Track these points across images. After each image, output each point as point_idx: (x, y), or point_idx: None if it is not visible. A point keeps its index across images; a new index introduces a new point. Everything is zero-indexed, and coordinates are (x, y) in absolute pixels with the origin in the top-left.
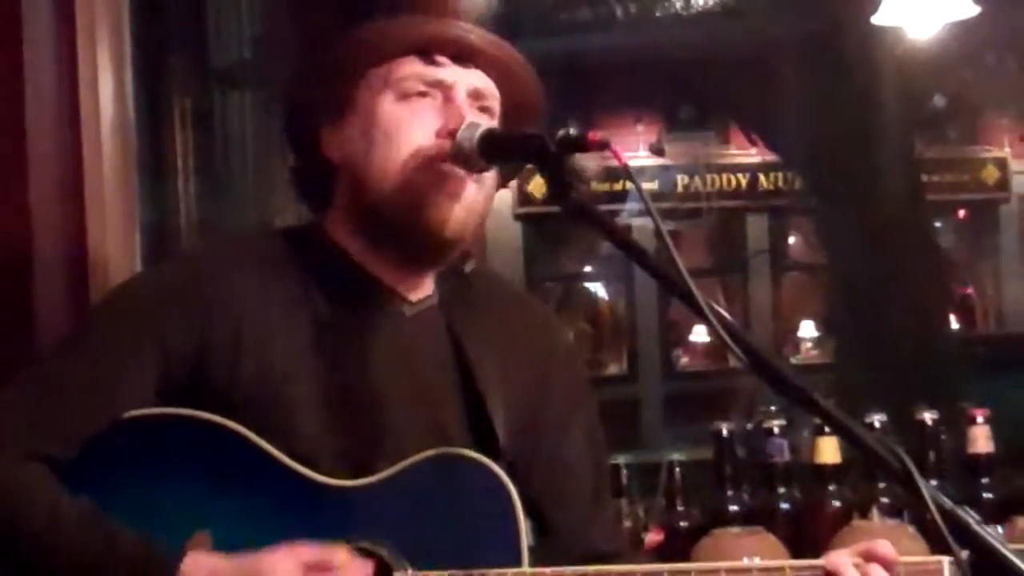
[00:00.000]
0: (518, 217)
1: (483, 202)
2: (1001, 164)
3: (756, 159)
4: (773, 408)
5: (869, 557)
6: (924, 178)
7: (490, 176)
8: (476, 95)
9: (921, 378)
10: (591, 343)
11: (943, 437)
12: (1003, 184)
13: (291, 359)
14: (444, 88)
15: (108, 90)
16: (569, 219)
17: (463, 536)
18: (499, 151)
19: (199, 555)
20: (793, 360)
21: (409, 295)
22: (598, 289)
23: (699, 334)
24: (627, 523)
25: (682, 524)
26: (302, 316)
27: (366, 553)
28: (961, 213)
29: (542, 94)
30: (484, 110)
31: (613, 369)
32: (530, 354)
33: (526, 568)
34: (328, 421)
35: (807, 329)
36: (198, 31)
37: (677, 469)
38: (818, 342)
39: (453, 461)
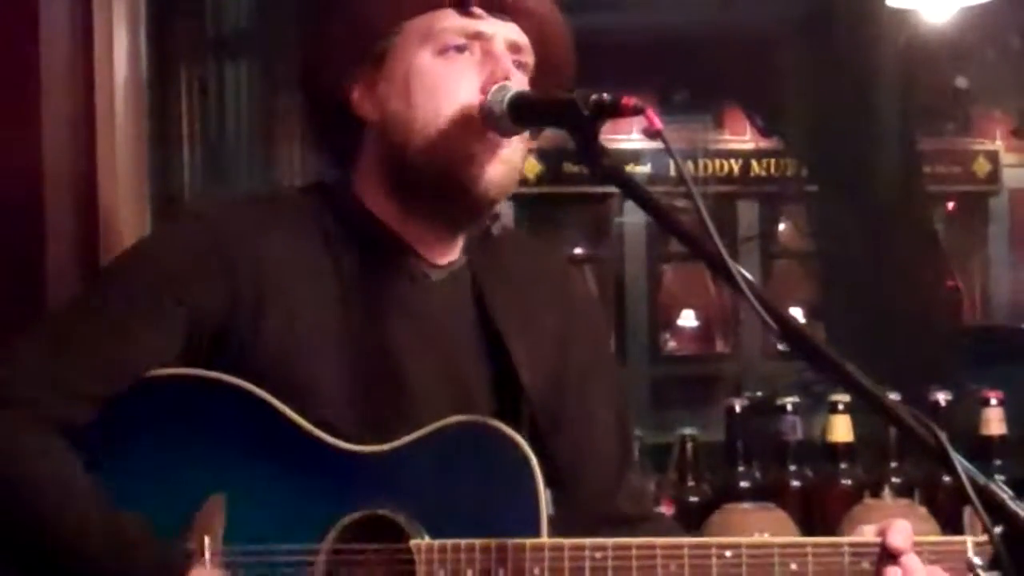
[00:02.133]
0: (511, 198)
1: (520, 160)
2: (992, 157)
3: (749, 145)
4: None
5: (885, 533)
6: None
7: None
8: (514, 48)
9: (915, 366)
10: None
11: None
12: (994, 177)
13: (316, 324)
14: (483, 40)
15: (123, 50)
16: (602, 183)
17: (482, 505)
18: (530, 115)
19: (201, 570)
20: (781, 347)
21: (437, 260)
22: (587, 271)
23: (687, 319)
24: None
25: (692, 499)
26: (327, 279)
27: (381, 519)
28: (950, 205)
29: (573, 52)
30: (520, 65)
31: None
32: (557, 319)
33: (545, 538)
34: (353, 388)
35: (795, 315)
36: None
37: (689, 444)
38: (826, 330)
39: (475, 429)
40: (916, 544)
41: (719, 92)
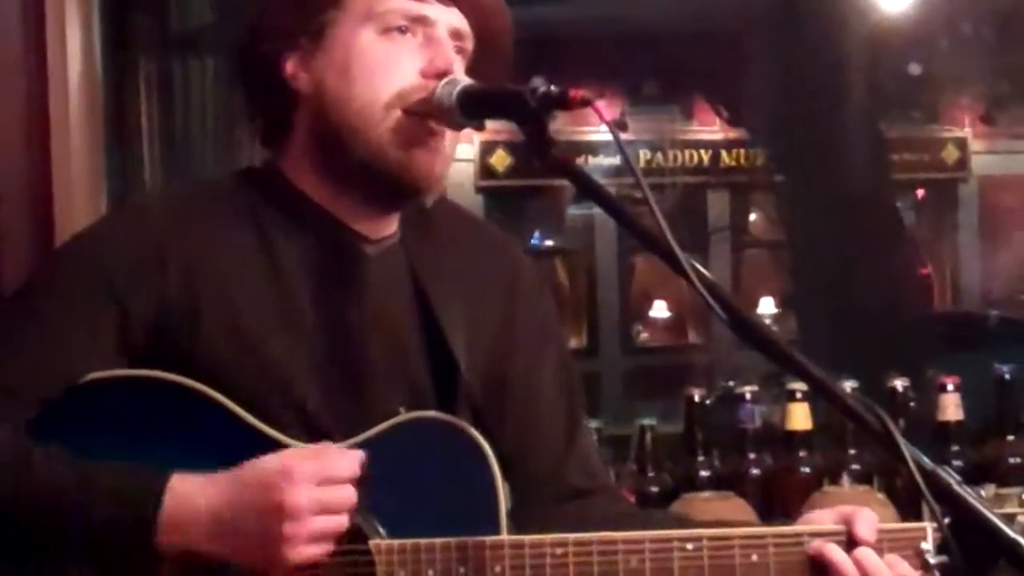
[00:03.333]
0: (480, 190)
1: (454, 147)
2: (961, 144)
3: (718, 135)
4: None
5: (850, 521)
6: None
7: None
8: (456, 35)
9: (883, 353)
10: None
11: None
12: (962, 164)
13: (260, 313)
14: (426, 25)
15: (76, 46)
16: (550, 175)
17: (441, 502)
18: (479, 107)
19: (183, 476)
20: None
21: (372, 235)
22: (559, 263)
23: (659, 310)
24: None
25: (653, 489)
26: (261, 264)
27: None
28: (919, 193)
29: (511, 43)
30: (460, 51)
31: (573, 343)
32: (495, 289)
33: (504, 535)
34: (292, 373)
35: (767, 306)
36: None
37: (648, 434)
38: (777, 319)
39: (431, 425)
40: (878, 531)
41: (686, 83)
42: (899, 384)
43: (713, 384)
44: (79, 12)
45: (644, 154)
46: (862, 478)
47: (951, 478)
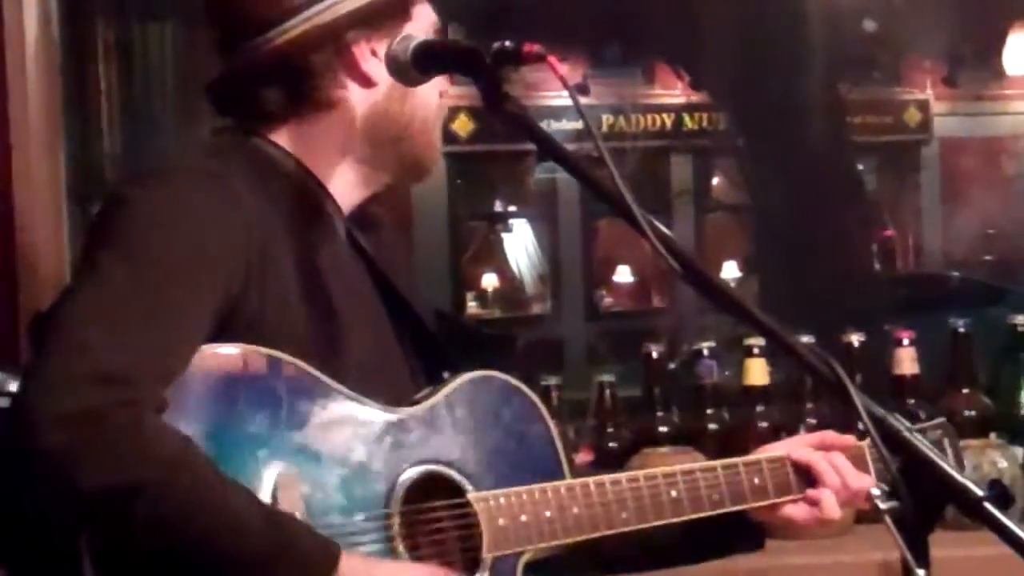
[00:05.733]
0: (442, 155)
1: None
2: (923, 106)
3: (680, 99)
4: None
5: (826, 445)
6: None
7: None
8: None
9: (842, 313)
10: (516, 283)
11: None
12: (925, 126)
13: (297, 284)
14: None
15: (33, 12)
16: (506, 127)
17: (510, 452)
18: (434, 62)
19: (353, 558)
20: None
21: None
22: (522, 229)
23: (623, 274)
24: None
25: (612, 445)
26: (282, 234)
27: (436, 477)
28: (883, 155)
29: None
30: None
31: (537, 309)
32: (400, 249)
33: (570, 479)
34: (353, 346)
35: (730, 270)
36: None
37: (607, 391)
38: (741, 282)
39: (487, 382)
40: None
41: (647, 47)
42: (854, 339)
43: (678, 347)
44: None
45: (606, 118)
46: (818, 430)
47: (901, 424)
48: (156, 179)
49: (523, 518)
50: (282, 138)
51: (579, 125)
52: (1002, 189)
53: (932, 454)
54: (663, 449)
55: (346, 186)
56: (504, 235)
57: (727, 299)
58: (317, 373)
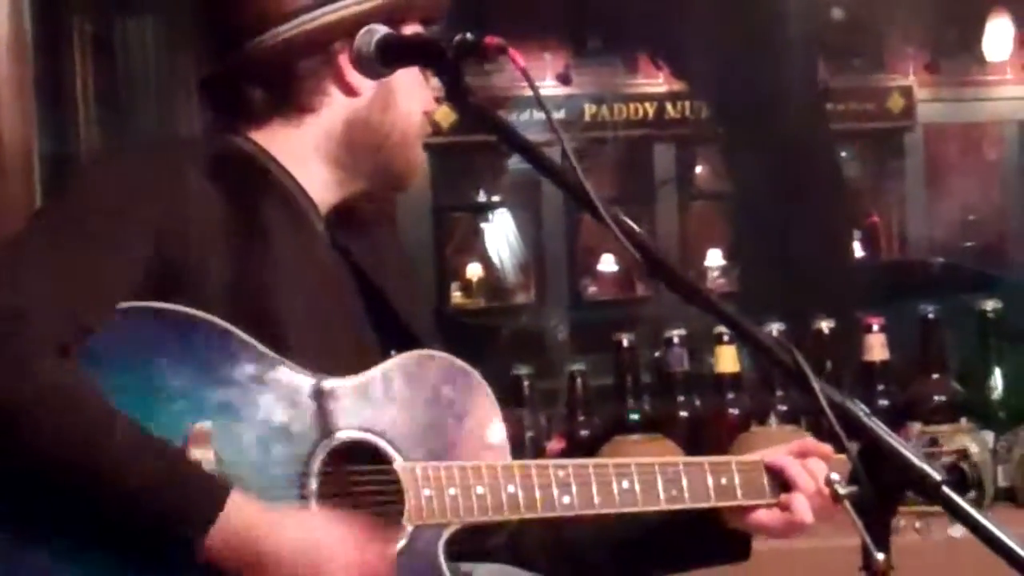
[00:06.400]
0: (424, 147)
1: None
2: (906, 92)
3: (663, 88)
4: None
5: (805, 453)
6: (830, 106)
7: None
8: None
9: (823, 301)
10: (499, 272)
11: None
12: (908, 112)
13: (260, 270)
14: None
15: (4, 6)
16: (469, 121)
17: (447, 428)
18: (397, 56)
19: (245, 498)
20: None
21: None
22: (506, 219)
23: (607, 263)
24: (530, 432)
25: (583, 433)
26: (241, 221)
27: (360, 445)
28: (867, 142)
29: None
30: None
31: (521, 298)
32: (386, 249)
33: (512, 460)
34: (303, 335)
35: (714, 258)
36: None
37: (579, 379)
38: (725, 271)
39: (430, 360)
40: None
41: (629, 37)
42: (824, 326)
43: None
44: None
45: (589, 108)
46: (789, 418)
47: (860, 410)
48: (110, 156)
49: (451, 491)
50: (261, 136)
51: (559, 115)
52: (986, 175)
53: (891, 439)
54: (634, 437)
55: (321, 186)
56: (488, 225)
57: (690, 289)
58: (247, 337)
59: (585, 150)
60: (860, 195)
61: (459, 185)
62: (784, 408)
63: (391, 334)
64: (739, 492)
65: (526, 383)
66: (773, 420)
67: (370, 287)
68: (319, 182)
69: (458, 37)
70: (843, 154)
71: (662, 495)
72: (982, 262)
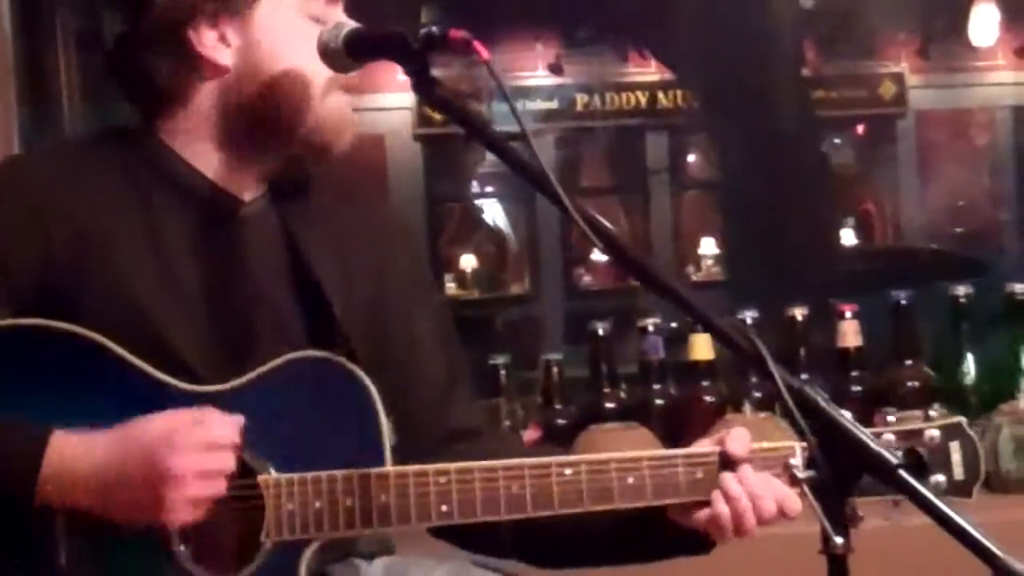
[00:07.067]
0: (418, 138)
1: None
2: (898, 79)
3: (655, 77)
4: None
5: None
6: (821, 94)
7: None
8: None
9: (809, 288)
10: (494, 263)
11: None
12: (900, 99)
13: (140, 272)
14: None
15: None
16: (435, 110)
17: (327, 437)
18: (364, 49)
19: (67, 432)
20: (695, 278)
21: (244, 196)
22: (499, 209)
23: (601, 253)
24: (506, 421)
25: (559, 421)
26: (141, 224)
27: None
28: (859, 129)
29: None
30: None
31: (516, 289)
32: (365, 242)
33: (388, 467)
34: (189, 331)
35: (708, 246)
36: None
37: (554, 368)
38: (719, 259)
39: (314, 364)
40: (751, 451)
41: (620, 26)
42: (798, 313)
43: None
44: None
45: (581, 97)
46: (763, 405)
47: (818, 395)
48: None
49: (317, 504)
50: (164, 132)
51: (552, 104)
52: (978, 160)
53: (848, 423)
54: (609, 425)
55: (226, 170)
56: (482, 216)
57: (651, 277)
58: (112, 345)
59: (577, 140)
60: (853, 182)
61: (451, 176)
62: (759, 395)
63: (314, 314)
64: (649, 492)
65: (503, 372)
66: (748, 407)
67: (304, 275)
68: (222, 166)
69: (424, 30)
70: (836, 141)
71: (556, 499)
72: (973, 247)
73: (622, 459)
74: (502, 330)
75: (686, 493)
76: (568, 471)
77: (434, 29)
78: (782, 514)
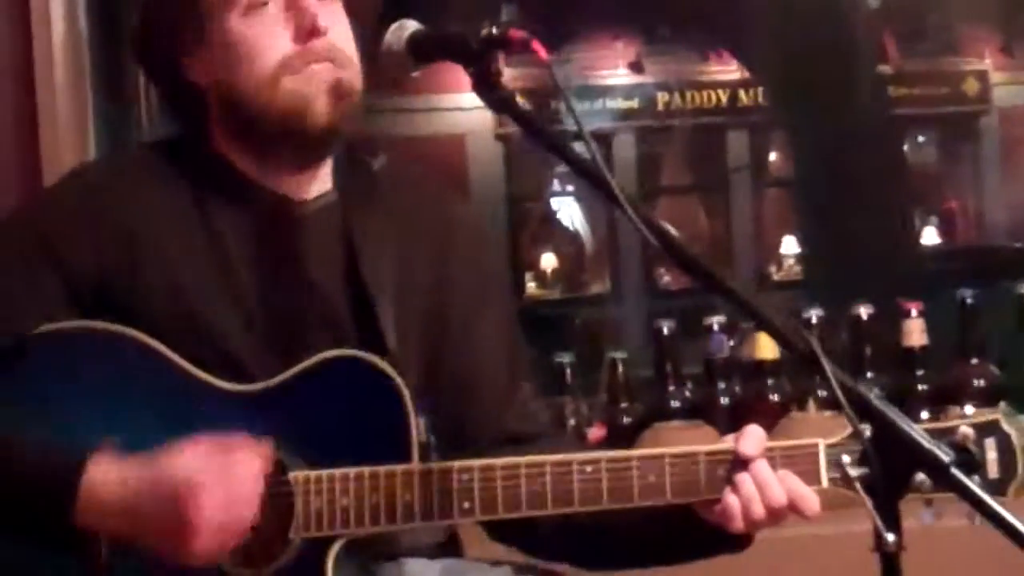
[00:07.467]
0: (499, 137)
1: (357, 80)
2: (981, 76)
3: (735, 75)
4: None
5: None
6: (904, 91)
7: (354, 53)
8: None
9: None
10: (574, 263)
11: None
12: (983, 96)
13: (188, 269)
14: None
15: (59, 9)
16: (495, 111)
17: (357, 435)
18: (426, 51)
19: (103, 458)
20: (776, 277)
21: (301, 195)
22: (578, 209)
23: None
24: (571, 420)
25: (625, 420)
26: (194, 226)
27: None
28: (942, 126)
29: None
30: None
31: (597, 288)
32: (432, 249)
33: (415, 464)
34: (226, 329)
35: (789, 245)
36: None
37: (620, 367)
38: (800, 258)
39: (348, 362)
40: (768, 450)
41: (698, 25)
42: (863, 311)
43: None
44: None
45: (662, 96)
46: (828, 404)
47: (870, 393)
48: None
49: (343, 501)
50: (214, 138)
51: (634, 104)
52: None
53: (900, 421)
54: (674, 423)
55: (274, 172)
56: (561, 215)
57: (708, 277)
58: (160, 347)
59: (657, 138)
60: (936, 180)
61: (532, 175)
62: (823, 394)
63: (365, 330)
64: (668, 491)
65: (568, 371)
66: (812, 405)
67: (359, 276)
68: (267, 167)
69: (484, 31)
70: (919, 139)
71: (576, 497)
72: None
73: (644, 456)
74: (580, 329)
75: (707, 491)
76: (589, 468)
77: (494, 30)
78: (795, 510)
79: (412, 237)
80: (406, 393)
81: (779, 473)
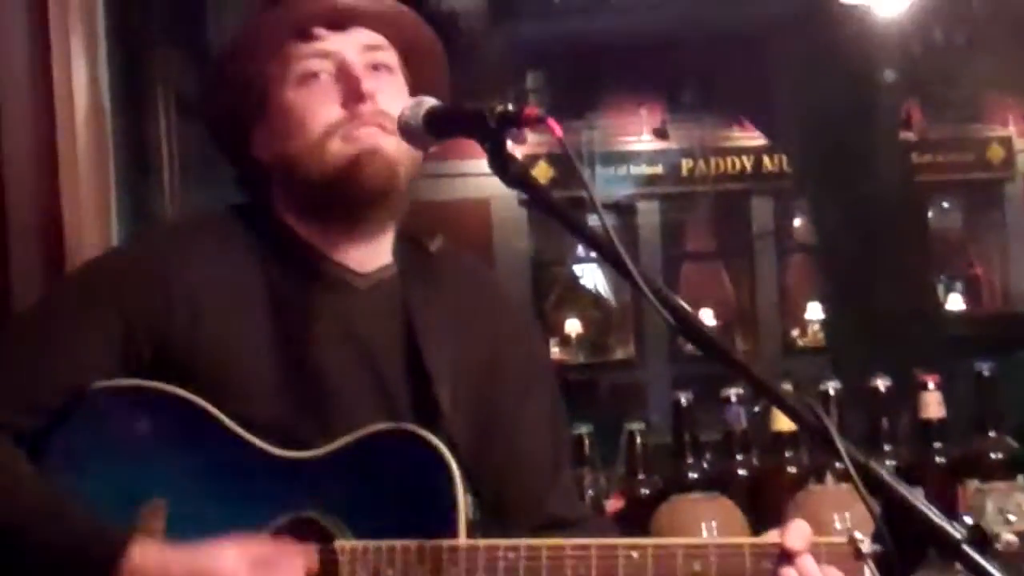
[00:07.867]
0: (523, 202)
1: (404, 146)
2: (1006, 143)
3: (760, 141)
4: None
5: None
6: (928, 158)
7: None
8: (368, 49)
9: (909, 354)
10: (599, 328)
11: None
12: (1008, 163)
13: (247, 334)
14: (333, 59)
15: (82, 76)
16: (510, 187)
17: (404, 508)
18: (443, 126)
19: (146, 545)
20: (800, 343)
21: (361, 268)
22: (601, 274)
23: (705, 318)
24: (590, 491)
25: (643, 491)
26: (257, 292)
27: (310, 522)
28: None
29: (433, 35)
30: (379, 66)
31: (620, 354)
32: (485, 332)
33: (462, 540)
34: (282, 395)
35: (814, 311)
36: (189, 21)
37: (638, 438)
38: (825, 324)
39: (399, 436)
40: (813, 545)
41: (722, 93)
42: (881, 384)
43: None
44: (85, 49)
45: (686, 162)
46: (846, 477)
47: (883, 469)
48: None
49: (389, 572)
50: (278, 208)
51: (656, 170)
52: None
53: (912, 498)
54: (693, 495)
55: (321, 234)
56: (585, 280)
57: (719, 351)
58: (214, 411)
59: (682, 204)
60: (961, 246)
61: (555, 241)
62: (841, 466)
63: (418, 394)
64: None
65: (587, 441)
66: (829, 478)
67: (418, 351)
68: (329, 237)
69: (500, 108)
70: (944, 205)
71: None
72: None
73: (688, 544)
74: (604, 394)
75: None
76: (635, 554)
77: (510, 107)
78: None
79: (466, 319)
80: (456, 471)
81: (824, 568)
